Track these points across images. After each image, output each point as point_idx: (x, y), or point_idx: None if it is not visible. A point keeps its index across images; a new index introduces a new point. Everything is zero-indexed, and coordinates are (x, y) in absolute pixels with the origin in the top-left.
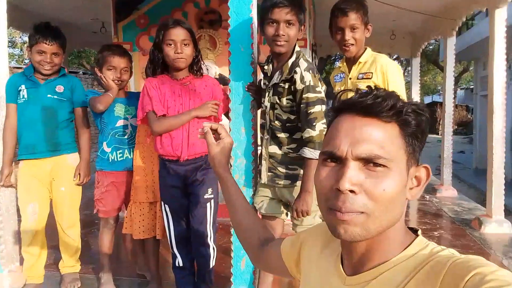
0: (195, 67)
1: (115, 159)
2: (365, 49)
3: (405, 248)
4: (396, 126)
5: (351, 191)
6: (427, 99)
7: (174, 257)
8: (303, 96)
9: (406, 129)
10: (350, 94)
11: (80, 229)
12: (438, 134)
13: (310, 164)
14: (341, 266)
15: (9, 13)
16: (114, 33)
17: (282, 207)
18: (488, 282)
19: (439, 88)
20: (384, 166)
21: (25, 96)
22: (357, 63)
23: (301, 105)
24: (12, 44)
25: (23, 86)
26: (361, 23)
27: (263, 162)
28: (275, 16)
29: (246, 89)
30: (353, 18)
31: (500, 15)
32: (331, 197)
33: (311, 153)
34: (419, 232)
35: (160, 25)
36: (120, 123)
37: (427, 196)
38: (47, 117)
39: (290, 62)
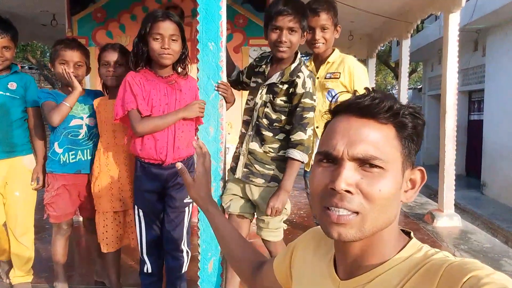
0: (180, 65)
1: (67, 161)
2: (333, 49)
3: (399, 251)
4: (393, 128)
5: (347, 191)
6: None
7: (142, 263)
8: (301, 100)
9: (403, 131)
10: (347, 96)
11: (33, 236)
12: None
13: (294, 165)
14: (334, 270)
15: None
16: (68, 26)
17: (249, 206)
18: (484, 285)
19: (389, 87)
20: (379, 167)
21: None
22: (325, 63)
23: (298, 108)
24: None
25: None
26: (331, 23)
27: (241, 157)
28: (279, 23)
29: (216, 88)
30: (324, 18)
31: (454, 19)
32: (326, 196)
33: (300, 155)
34: (412, 234)
35: (147, 16)
36: (74, 122)
37: None
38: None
39: (292, 66)
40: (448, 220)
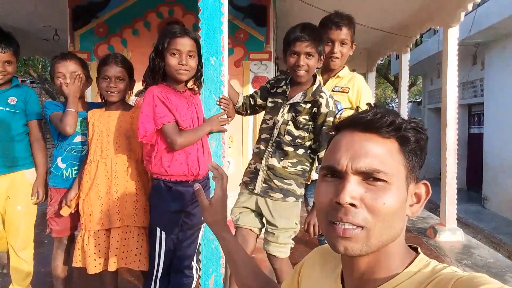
0: (196, 82)
1: (70, 176)
2: (344, 66)
3: (407, 266)
4: (396, 142)
5: (352, 205)
6: None
7: (148, 285)
8: (327, 119)
9: (406, 145)
10: (350, 112)
11: (33, 251)
12: None
13: None
14: (341, 285)
15: None
16: (70, 41)
17: (258, 221)
18: None
19: (389, 101)
20: (383, 180)
21: None
22: (335, 76)
23: (323, 127)
24: None
25: None
26: (350, 39)
27: (260, 173)
28: (297, 49)
29: (218, 103)
30: (344, 33)
31: (453, 34)
32: (331, 211)
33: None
34: (419, 249)
35: (164, 31)
36: (78, 139)
37: None
38: (0, 130)
39: (314, 87)
40: (451, 234)
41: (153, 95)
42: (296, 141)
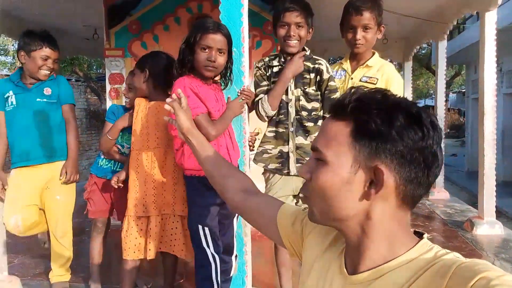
0: (223, 78)
1: (102, 166)
2: (373, 52)
3: (409, 250)
4: (351, 124)
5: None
6: (420, 103)
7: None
8: (329, 83)
9: (360, 128)
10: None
11: (72, 237)
12: None
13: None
14: (344, 263)
15: (1, 19)
16: (106, 39)
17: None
18: (494, 286)
19: (432, 92)
20: (321, 160)
21: (14, 103)
22: (364, 65)
23: (325, 91)
24: (4, 52)
25: (10, 92)
26: (374, 23)
27: (290, 155)
28: (286, 19)
29: (239, 93)
30: (367, 17)
31: (490, 18)
32: None
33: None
34: (425, 235)
35: (198, 24)
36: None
37: None
38: (39, 121)
39: (307, 58)
40: (489, 228)
41: (184, 85)
42: (312, 114)
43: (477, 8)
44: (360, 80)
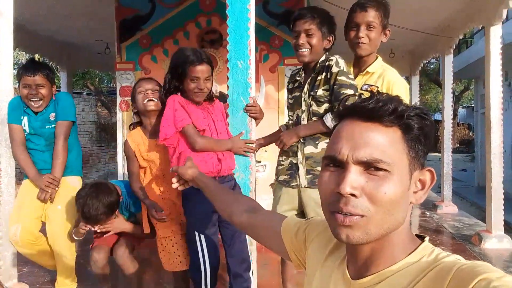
0: (209, 95)
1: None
2: (376, 57)
3: (410, 253)
4: (398, 130)
5: (352, 195)
6: None
7: None
8: (338, 78)
9: (409, 133)
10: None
11: (75, 247)
12: (439, 152)
13: (318, 124)
14: (346, 270)
15: (15, 33)
16: (117, 53)
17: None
18: None
19: (441, 106)
20: (385, 170)
21: (27, 130)
22: (364, 72)
23: (335, 86)
24: (18, 66)
25: (25, 118)
26: (379, 23)
27: (300, 166)
28: (297, 28)
29: (245, 111)
30: (371, 15)
31: (495, 32)
32: (332, 201)
33: (331, 121)
34: (426, 239)
35: (181, 57)
36: None
37: (428, 213)
38: (49, 146)
39: (320, 60)
40: (497, 242)
41: (173, 100)
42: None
43: (481, 23)
44: (361, 89)
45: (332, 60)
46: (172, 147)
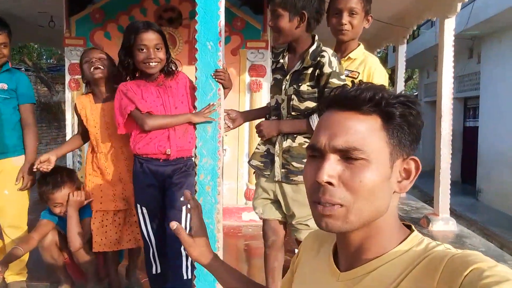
0: (165, 69)
1: None
2: (359, 44)
3: (400, 243)
4: (378, 118)
5: (330, 184)
6: None
7: (149, 265)
8: (329, 80)
9: (390, 121)
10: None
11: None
12: None
13: (303, 123)
14: (333, 262)
15: None
16: (66, 27)
17: (283, 209)
18: (486, 277)
19: None
20: (361, 158)
21: None
22: (346, 58)
23: (325, 89)
24: None
25: None
26: (361, 9)
27: (276, 158)
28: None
29: (213, 75)
30: (354, 1)
31: (449, 24)
32: (313, 190)
33: (316, 120)
34: (413, 227)
35: (129, 28)
36: None
37: None
38: None
39: (311, 49)
40: (443, 224)
41: (119, 90)
42: (305, 114)
43: (437, 15)
44: None
45: (324, 57)
46: (130, 132)
